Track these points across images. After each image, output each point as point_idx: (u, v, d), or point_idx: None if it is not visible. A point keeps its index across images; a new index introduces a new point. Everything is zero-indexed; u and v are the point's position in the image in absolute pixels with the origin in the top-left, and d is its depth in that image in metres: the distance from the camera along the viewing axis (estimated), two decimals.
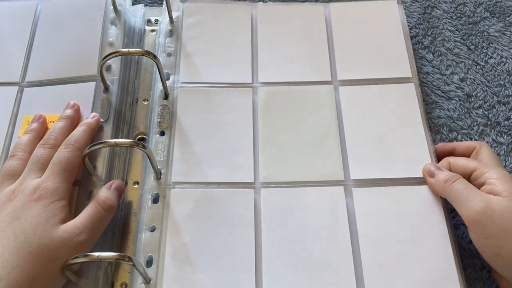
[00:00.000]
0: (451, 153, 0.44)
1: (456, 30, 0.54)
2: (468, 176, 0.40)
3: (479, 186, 0.39)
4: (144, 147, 0.39)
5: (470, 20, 0.54)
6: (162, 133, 0.45)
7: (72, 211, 0.39)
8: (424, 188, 0.42)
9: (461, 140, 0.47)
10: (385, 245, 0.40)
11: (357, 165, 0.44)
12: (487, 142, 0.47)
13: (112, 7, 0.50)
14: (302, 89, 0.48)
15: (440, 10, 0.55)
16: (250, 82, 0.48)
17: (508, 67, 0.51)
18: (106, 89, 0.46)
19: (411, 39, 0.52)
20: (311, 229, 0.41)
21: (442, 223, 0.41)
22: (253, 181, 0.43)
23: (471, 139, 0.47)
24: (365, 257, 0.40)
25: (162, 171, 0.43)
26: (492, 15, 0.55)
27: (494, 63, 0.52)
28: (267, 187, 0.43)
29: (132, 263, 0.35)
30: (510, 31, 0.54)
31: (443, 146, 0.45)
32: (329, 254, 0.40)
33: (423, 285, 0.38)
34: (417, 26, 0.54)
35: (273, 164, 0.44)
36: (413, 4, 0.56)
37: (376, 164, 0.44)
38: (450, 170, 0.42)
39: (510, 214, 0.36)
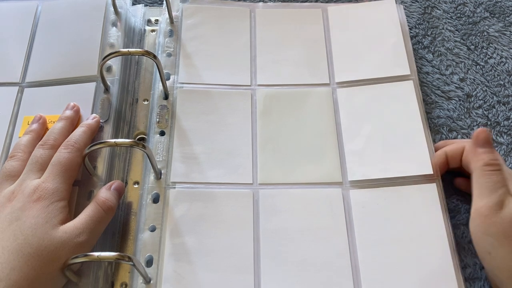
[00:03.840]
0: None
1: (456, 30, 0.54)
2: None
3: None
4: (144, 147, 0.39)
5: (470, 20, 0.54)
6: (162, 133, 0.45)
7: (72, 211, 0.39)
8: (422, 188, 0.42)
9: None
10: (382, 245, 0.40)
11: (355, 166, 0.44)
12: None
13: (112, 8, 0.50)
14: (300, 91, 0.48)
15: (440, 10, 0.55)
16: (249, 84, 0.48)
17: (508, 67, 0.51)
18: (107, 89, 0.46)
19: (411, 39, 0.52)
20: (309, 230, 0.41)
21: (440, 222, 0.41)
22: (251, 182, 0.43)
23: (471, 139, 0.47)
24: (362, 258, 0.40)
25: (162, 171, 0.43)
26: (492, 15, 0.55)
27: (494, 63, 0.52)
28: (265, 188, 0.43)
29: (132, 263, 0.35)
30: (510, 31, 0.54)
31: (443, 143, 0.45)
32: (327, 255, 0.40)
33: (420, 285, 0.39)
34: (417, 26, 0.54)
35: (271, 165, 0.44)
36: (413, 4, 0.56)
37: (374, 165, 0.44)
38: (461, 156, 0.41)
39: None
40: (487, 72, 0.51)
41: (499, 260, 0.36)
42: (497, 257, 0.36)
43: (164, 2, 0.50)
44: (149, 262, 0.40)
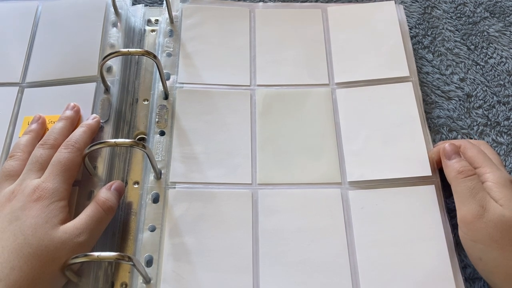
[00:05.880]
0: None
1: (456, 30, 0.54)
2: None
3: None
4: (144, 147, 0.39)
5: (470, 20, 0.54)
6: (162, 133, 0.45)
7: (72, 211, 0.39)
8: (420, 189, 0.43)
9: None
10: (381, 246, 0.40)
11: (354, 166, 0.44)
12: (487, 142, 0.47)
13: (112, 9, 0.50)
14: (299, 92, 0.48)
15: (440, 10, 0.55)
16: (248, 84, 0.48)
17: (508, 67, 0.51)
18: (107, 89, 0.46)
19: (411, 39, 0.52)
20: (308, 230, 0.41)
21: (438, 224, 0.41)
22: (250, 182, 0.43)
23: (471, 139, 0.47)
24: (361, 258, 0.40)
25: (162, 171, 0.43)
26: (492, 15, 0.55)
27: (494, 63, 0.52)
28: (264, 188, 0.43)
29: (132, 263, 0.35)
30: (510, 31, 0.54)
31: (443, 144, 0.45)
32: (325, 255, 0.40)
33: (418, 286, 0.39)
34: (417, 26, 0.54)
35: (270, 165, 0.44)
36: (413, 4, 0.56)
37: (373, 166, 0.44)
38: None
39: (503, 224, 0.36)
40: (487, 72, 0.51)
41: (491, 265, 0.37)
42: (488, 262, 0.37)
43: (164, 2, 0.50)
44: (149, 262, 0.40)
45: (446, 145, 0.42)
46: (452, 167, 0.40)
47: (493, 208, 0.37)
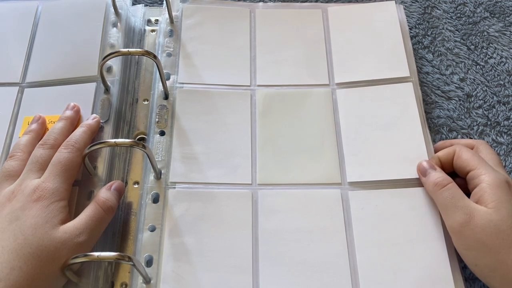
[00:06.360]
0: None
1: (456, 30, 0.54)
2: (466, 172, 0.40)
3: (473, 186, 0.39)
4: (144, 147, 0.39)
5: (470, 20, 0.54)
6: (162, 133, 0.45)
7: (72, 211, 0.39)
8: (420, 190, 0.42)
9: None
10: (381, 247, 0.40)
11: (354, 167, 0.44)
12: (487, 142, 0.47)
13: (112, 9, 0.50)
14: (299, 92, 0.48)
15: (440, 10, 0.55)
16: (249, 84, 0.48)
17: (508, 67, 0.51)
18: (107, 89, 0.46)
19: (411, 39, 0.52)
20: (308, 230, 0.41)
21: (438, 225, 0.41)
22: (250, 182, 0.43)
23: (470, 138, 0.47)
24: (360, 259, 0.40)
25: (162, 171, 0.43)
26: (492, 15, 0.55)
27: (494, 63, 0.52)
28: (264, 189, 0.43)
29: (132, 263, 0.35)
30: (510, 31, 0.54)
31: (442, 144, 0.45)
32: (325, 256, 0.40)
33: (418, 286, 0.39)
34: (417, 26, 0.54)
35: (270, 165, 0.44)
36: (413, 4, 0.56)
37: (373, 166, 0.44)
38: (453, 159, 0.42)
39: (491, 228, 0.36)
40: (487, 72, 0.51)
41: (487, 270, 0.37)
42: (484, 267, 0.37)
43: (164, 2, 0.50)
44: (149, 262, 0.40)
45: (422, 161, 0.42)
46: (428, 182, 0.41)
47: (478, 214, 0.37)
